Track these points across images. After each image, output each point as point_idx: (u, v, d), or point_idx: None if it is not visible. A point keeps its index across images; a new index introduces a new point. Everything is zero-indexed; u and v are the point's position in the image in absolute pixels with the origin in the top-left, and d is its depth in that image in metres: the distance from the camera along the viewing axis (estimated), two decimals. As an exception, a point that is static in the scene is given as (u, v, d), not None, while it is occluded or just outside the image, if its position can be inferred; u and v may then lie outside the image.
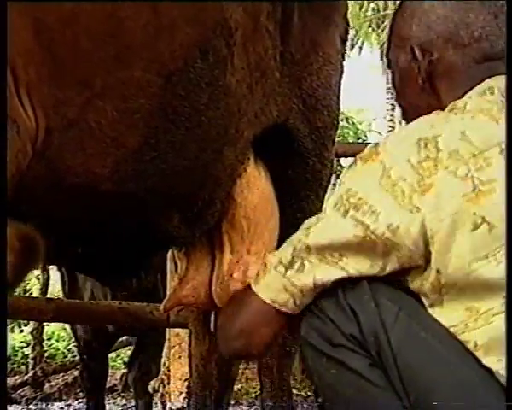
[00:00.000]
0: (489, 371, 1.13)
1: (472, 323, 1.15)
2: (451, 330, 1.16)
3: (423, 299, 1.21)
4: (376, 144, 1.23)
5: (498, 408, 1.12)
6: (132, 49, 1.43)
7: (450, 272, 1.15)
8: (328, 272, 1.22)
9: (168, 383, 3.44)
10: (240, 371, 3.60)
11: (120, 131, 1.44)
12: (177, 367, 3.37)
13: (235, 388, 4.45)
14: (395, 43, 1.41)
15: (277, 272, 1.26)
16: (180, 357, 3.34)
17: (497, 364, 1.13)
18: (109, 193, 1.49)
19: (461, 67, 1.31)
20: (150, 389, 3.73)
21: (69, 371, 6.62)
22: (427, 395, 1.15)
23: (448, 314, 1.17)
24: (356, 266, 1.20)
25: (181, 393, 3.33)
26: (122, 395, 6.11)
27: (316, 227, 1.24)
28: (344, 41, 2.16)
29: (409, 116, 1.40)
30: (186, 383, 3.06)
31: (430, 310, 1.19)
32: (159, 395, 3.58)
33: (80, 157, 1.41)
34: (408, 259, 1.18)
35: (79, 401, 5.89)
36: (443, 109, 1.26)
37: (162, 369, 3.62)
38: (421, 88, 1.36)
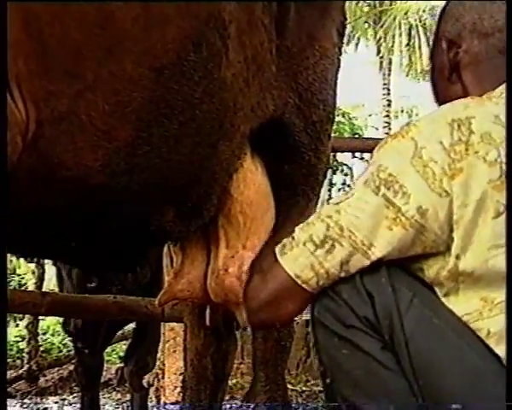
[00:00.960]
0: (499, 359, 1.15)
1: (486, 312, 1.16)
2: (465, 318, 1.18)
3: (437, 289, 1.22)
4: (408, 123, 1.25)
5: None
6: (123, 42, 1.42)
7: (470, 259, 1.16)
8: (356, 260, 1.21)
9: (163, 378, 3.45)
10: (234, 365, 3.60)
11: (112, 125, 1.43)
12: (171, 362, 3.37)
13: (230, 382, 4.45)
14: (433, 41, 1.45)
15: (306, 248, 1.24)
16: (175, 351, 3.34)
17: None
18: (101, 186, 1.48)
19: (485, 58, 1.32)
20: (145, 383, 3.73)
21: (64, 366, 6.61)
22: (436, 381, 1.16)
23: (463, 303, 1.18)
24: (384, 253, 1.20)
25: (175, 387, 3.33)
26: (117, 389, 6.11)
27: (347, 204, 1.23)
28: (341, 35, 2.14)
29: None
30: (181, 378, 3.06)
31: (444, 299, 1.20)
32: (153, 389, 3.59)
33: (71, 150, 1.40)
34: (431, 243, 1.19)
35: (74, 395, 5.89)
36: None
37: (157, 363, 3.62)
38: (449, 79, 1.38)
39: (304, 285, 1.24)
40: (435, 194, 1.16)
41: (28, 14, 1.27)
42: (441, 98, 1.42)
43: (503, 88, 1.25)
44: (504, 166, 1.15)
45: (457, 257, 1.17)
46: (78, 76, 1.37)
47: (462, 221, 1.16)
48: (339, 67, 2.15)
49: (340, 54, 2.15)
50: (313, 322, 1.28)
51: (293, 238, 1.28)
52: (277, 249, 1.30)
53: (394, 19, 15.35)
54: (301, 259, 1.25)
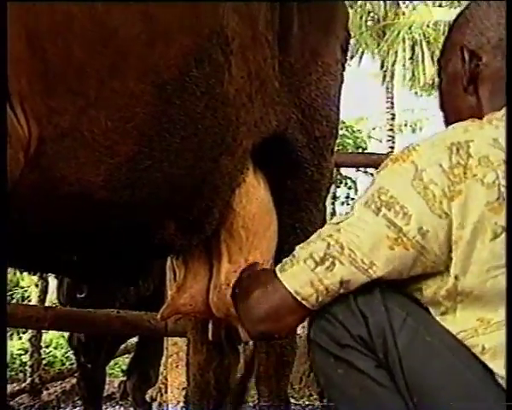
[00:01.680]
0: (492, 375, 1.16)
1: (482, 330, 1.18)
2: (460, 335, 1.19)
3: (433, 309, 1.23)
4: (408, 147, 1.25)
5: None
6: (126, 59, 1.43)
7: (469, 279, 1.17)
8: (356, 278, 1.22)
9: (166, 392, 3.44)
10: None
11: (114, 140, 1.44)
12: (174, 376, 3.36)
13: (233, 397, 4.43)
14: (447, 48, 1.44)
15: (306, 266, 1.25)
16: (178, 366, 3.33)
17: (503, 369, 1.15)
18: (103, 201, 1.48)
19: (504, 75, 1.32)
20: (148, 398, 3.72)
21: (67, 379, 6.60)
22: (429, 398, 1.17)
23: (459, 323, 1.19)
24: (385, 272, 1.21)
25: (178, 402, 3.32)
26: (120, 403, 6.09)
27: (347, 223, 1.24)
28: (344, 51, 2.15)
29: (449, 120, 1.42)
30: (184, 393, 3.06)
31: (440, 318, 1.22)
32: (156, 403, 3.58)
33: (74, 166, 1.40)
34: (431, 264, 1.20)
35: (77, 409, 5.87)
36: (482, 115, 1.29)
37: (160, 378, 3.61)
38: (464, 90, 1.37)
39: (304, 302, 1.25)
40: (435, 215, 1.17)
41: (31, 32, 1.28)
42: (453, 110, 1.42)
43: (504, 111, 1.26)
44: (503, 189, 1.16)
45: (456, 277, 1.18)
46: (81, 93, 1.38)
47: (460, 242, 1.17)
48: (342, 82, 2.15)
49: (344, 70, 2.16)
50: (310, 344, 1.29)
51: (293, 256, 1.29)
52: (277, 268, 1.30)
53: (398, 33, 15.40)
54: (301, 276, 1.25)
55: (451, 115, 1.42)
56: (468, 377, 1.17)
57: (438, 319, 1.22)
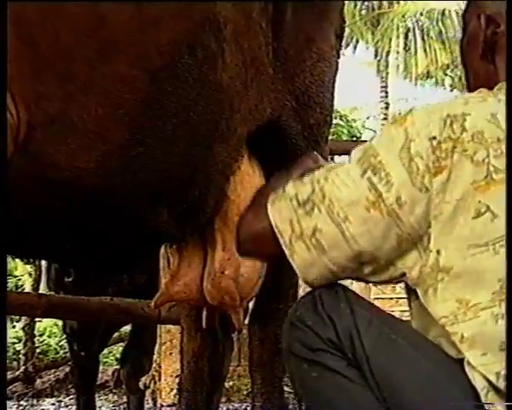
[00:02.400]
0: (461, 367, 1.18)
1: (461, 315, 1.18)
2: (442, 320, 1.20)
3: (419, 289, 1.24)
4: (410, 110, 1.26)
5: (464, 403, 1.17)
6: (115, 44, 1.41)
7: (450, 255, 1.18)
8: (328, 229, 1.25)
9: (159, 380, 3.45)
10: (231, 368, 3.60)
11: (105, 127, 1.43)
12: (168, 364, 3.37)
13: (227, 385, 4.44)
14: (471, 7, 1.43)
15: (291, 204, 1.30)
16: (171, 354, 3.35)
17: (480, 358, 1.16)
18: (95, 188, 1.47)
19: None
20: (141, 385, 3.73)
21: (61, 368, 6.62)
22: (397, 393, 1.20)
23: (440, 304, 1.20)
24: (357, 232, 1.23)
25: (172, 389, 3.34)
26: (114, 391, 6.11)
27: (336, 174, 1.27)
28: (339, 37, 2.15)
29: (469, 79, 1.43)
30: (177, 380, 3.06)
31: (424, 299, 1.23)
32: (149, 391, 3.59)
33: (64, 152, 1.39)
34: (406, 236, 1.21)
35: (71, 397, 5.88)
36: (495, 84, 1.28)
37: (153, 365, 3.62)
38: (481, 56, 1.36)
39: (279, 236, 1.31)
40: (416, 188, 1.18)
41: (19, 16, 1.26)
42: (471, 71, 1.41)
43: None
44: (492, 168, 1.16)
45: (438, 252, 1.19)
46: (70, 78, 1.36)
47: (441, 217, 1.18)
48: (337, 69, 2.15)
49: (339, 57, 2.15)
50: (285, 354, 1.34)
51: (283, 191, 1.34)
52: (270, 198, 1.36)
53: (392, 22, 15.38)
54: (284, 212, 1.31)
55: (471, 77, 1.42)
56: (431, 370, 1.20)
57: (422, 300, 1.24)
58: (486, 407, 1.15)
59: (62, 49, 1.34)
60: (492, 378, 1.15)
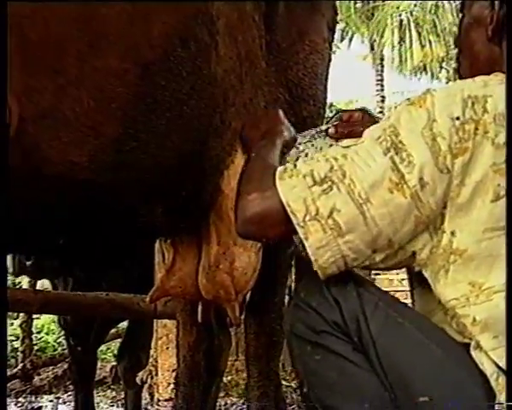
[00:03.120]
0: (468, 351, 1.18)
1: (473, 298, 1.18)
2: (452, 302, 1.19)
3: (427, 271, 1.23)
4: (427, 91, 1.23)
5: (472, 387, 1.17)
6: (107, 37, 1.41)
7: (465, 237, 1.17)
8: (348, 209, 1.19)
9: (156, 375, 3.45)
10: (229, 362, 3.60)
11: (97, 120, 1.42)
12: (164, 358, 3.37)
13: (225, 379, 4.44)
14: None
15: (305, 181, 1.22)
16: (168, 348, 3.34)
17: (492, 341, 1.16)
18: (88, 183, 1.47)
19: None
20: (138, 380, 3.73)
21: (59, 365, 6.60)
22: (403, 376, 1.20)
23: (451, 286, 1.20)
24: (377, 213, 1.19)
25: (169, 384, 3.33)
26: (112, 387, 6.11)
27: (355, 152, 1.21)
28: (331, 30, 2.15)
29: (463, 62, 1.40)
30: (174, 374, 3.06)
31: (433, 281, 1.22)
32: (147, 386, 3.58)
33: (56, 146, 1.39)
34: (425, 219, 1.19)
35: (69, 394, 5.87)
36: (502, 69, 1.26)
37: (150, 360, 3.62)
38: (488, 38, 1.33)
39: (292, 216, 1.22)
40: (437, 169, 1.17)
41: (10, 11, 1.25)
42: (468, 50, 1.38)
43: None
44: None
45: (453, 233, 1.18)
46: (61, 71, 1.35)
47: (458, 199, 1.17)
48: (329, 62, 2.14)
49: (331, 49, 2.15)
50: (287, 335, 1.31)
51: (294, 167, 1.26)
52: (277, 173, 1.26)
53: (386, 13, 15.37)
54: (296, 190, 1.22)
55: (466, 59, 1.39)
56: (437, 354, 1.19)
57: (430, 282, 1.23)
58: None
59: (53, 42, 1.33)
60: (502, 363, 1.15)
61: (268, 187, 1.26)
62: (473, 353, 1.18)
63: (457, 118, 1.16)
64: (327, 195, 1.19)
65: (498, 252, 1.16)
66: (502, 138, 1.15)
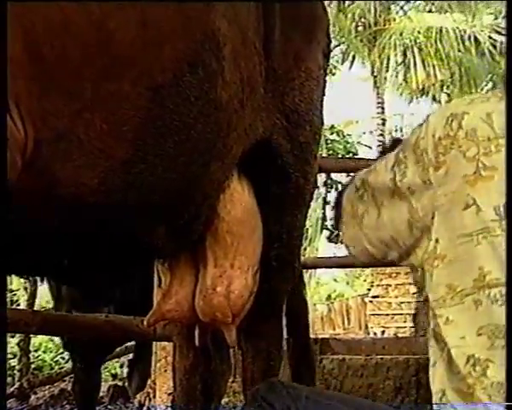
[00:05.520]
0: None
1: (448, 300, 1.25)
2: (433, 304, 1.28)
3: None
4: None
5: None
6: (121, 62, 1.44)
7: (445, 243, 1.26)
8: (372, 210, 1.41)
9: (154, 397, 3.44)
10: (227, 384, 3.60)
11: (109, 143, 1.45)
12: (162, 381, 3.36)
13: (222, 401, 4.42)
14: None
15: (353, 187, 1.48)
16: (166, 371, 3.34)
17: (458, 340, 1.23)
18: (98, 204, 1.49)
19: None
20: (136, 402, 3.72)
21: (56, 384, 6.58)
22: None
23: (434, 288, 1.28)
24: (385, 216, 1.38)
25: (167, 407, 3.32)
26: (109, 407, 6.09)
27: (379, 164, 1.43)
28: (326, 57, 2.17)
29: None
30: (171, 397, 3.06)
31: (426, 285, 1.32)
32: (145, 408, 3.58)
33: (69, 168, 1.41)
34: (416, 224, 1.31)
35: (65, 413, 5.86)
36: None
37: (148, 382, 3.61)
38: None
39: (343, 212, 1.52)
40: (422, 181, 1.30)
41: (28, 34, 1.28)
42: None
43: None
44: (480, 164, 1.23)
45: (437, 241, 1.28)
46: (77, 96, 1.38)
47: (441, 208, 1.27)
48: (324, 88, 2.17)
49: (326, 75, 2.18)
50: None
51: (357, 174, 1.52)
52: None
53: (389, 39, 15.43)
54: (349, 193, 1.50)
55: None
56: None
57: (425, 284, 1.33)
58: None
59: (70, 67, 1.36)
60: (460, 361, 1.21)
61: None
62: (430, 370, 1.30)
63: (436, 135, 1.28)
64: (362, 199, 1.45)
65: (468, 257, 1.23)
66: (472, 152, 1.23)
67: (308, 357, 2.53)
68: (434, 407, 1.28)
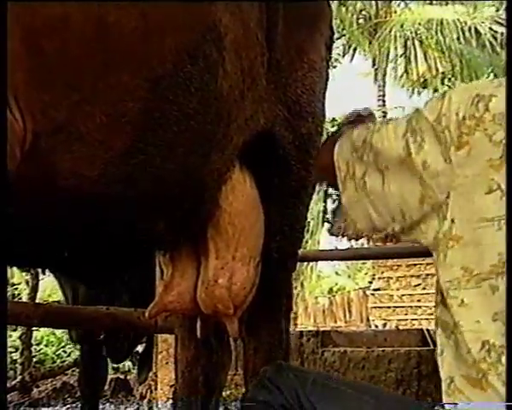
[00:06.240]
0: (397, 396, 1.35)
1: (464, 282, 1.25)
2: (447, 285, 1.28)
3: (434, 253, 1.33)
4: (453, 88, 1.34)
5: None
6: (120, 54, 1.43)
7: (462, 225, 1.25)
8: (374, 174, 1.39)
9: (155, 389, 3.45)
10: (228, 377, 3.60)
11: (108, 135, 1.45)
12: (164, 373, 3.37)
13: (224, 394, 4.43)
14: None
15: (350, 147, 1.47)
16: (167, 363, 3.34)
17: (473, 324, 1.23)
18: (98, 195, 1.49)
19: None
20: (138, 395, 3.73)
21: (57, 377, 6.60)
22: None
23: (447, 269, 1.28)
24: (391, 182, 1.36)
25: (168, 399, 3.33)
26: (111, 400, 6.10)
27: (387, 128, 1.40)
28: (328, 48, 2.17)
29: None
30: (173, 389, 3.06)
31: (437, 263, 1.32)
32: (146, 400, 3.58)
33: (69, 160, 1.41)
34: (428, 199, 1.30)
35: (67, 406, 5.87)
36: None
37: (150, 375, 3.62)
38: None
39: (337, 171, 1.49)
40: (442, 158, 1.27)
41: (26, 27, 1.28)
42: None
43: None
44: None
45: (453, 221, 1.27)
46: (76, 88, 1.38)
47: (460, 189, 1.25)
48: (327, 80, 2.16)
49: (328, 67, 2.17)
50: None
51: (352, 132, 1.48)
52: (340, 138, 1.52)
53: (390, 31, 15.40)
54: (344, 152, 1.48)
55: None
56: (372, 402, 1.38)
57: (435, 264, 1.32)
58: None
59: (69, 59, 1.36)
60: (474, 345, 1.21)
61: (332, 146, 1.53)
62: (438, 358, 1.30)
63: (460, 114, 1.26)
64: (361, 160, 1.42)
65: (487, 241, 1.23)
66: (499, 136, 1.22)
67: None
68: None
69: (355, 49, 16.58)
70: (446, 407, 1.28)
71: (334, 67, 14.68)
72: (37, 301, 5.84)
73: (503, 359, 1.18)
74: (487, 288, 1.21)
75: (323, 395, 1.40)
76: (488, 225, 1.22)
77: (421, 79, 15.33)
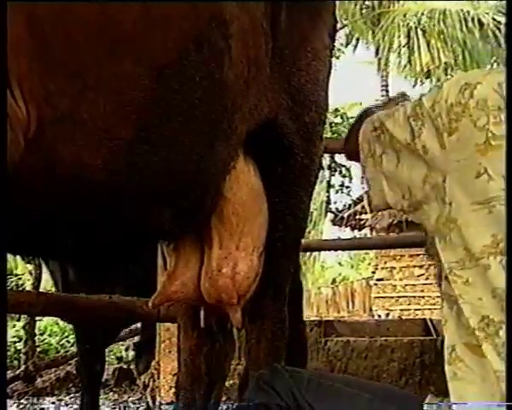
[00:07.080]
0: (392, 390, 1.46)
1: (467, 262, 1.28)
2: (452, 264, 1.30)
3: (436, 237, 1.35)
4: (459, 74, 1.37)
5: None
6: (124, 42, 1.43)
7: (458, 207, 1.29)
8: (390, 153, 1.43)
9: (158, 378, 3.45)
10: (232, 366, 3.61)
11: (113, 123, 1.44)
12: (166, 362, 3.37)
13: (227, 383, 4.44)
14: None
15: (371, 127, 1.51)
16: (170, 352, 3.35)
17: (476, 300, 1.26)
18: (102, 185, 1.49)
19: None
20: (140, 384, 3.73)
21: (61, 367, 6.62)
22: None
23: (450, 251, 1.31)
24: (403, 161, 1.40)
25: (171, 387, 3.33)
26: (114, 389, 6.12)
27: (398, 112, 1.43)
28: (332, 37, 2.16)
29: None
30: (176, 378, 3.06)
31: (440, 245, 1.34)
32: (149, 389, 3.59)
33: (73, 148, 1.40)
34: (430, 179, 1.34)
35: (71, 396, 5.89)
36: None
37: (152, 364, 3.62)
38: None
39: (360, 151, 1.53)
40: (438, 144, 1.32)
41: (30, 14, 1.27)
42: None
43: None
44: (490, 134, 1.25)
45: (450, 204, 1.30)
46: (80, 76, 1.38)
47: (454, 173, 1.29)
48: (330, 69, 2.16)
49: (332, 56, 2.16)
50: None
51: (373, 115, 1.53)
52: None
53: (393, 21, 15.35)
54: (366, 133, 1.52)
55: None
56: (368, 396, 1.43)
57: (438, 247, 1.34)
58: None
59: (72, 47, 1.35)
60: (473, 317, 1.24)
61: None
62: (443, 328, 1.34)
63: (449, 101, 1.30)
64: (379, 140, 1.46)
65: (481, 223, 1.26)
66: (482, 121, 1.26)
67: (300, 340, 2.52)
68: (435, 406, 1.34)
69: (358, 39, 16.53)
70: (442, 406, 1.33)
71: (338, 57, 14.66)
72: (40, 290, 5.84)
73: (501, 333, 1.21)
74: (481, 267, 1.25)
75: (319, 393, 1.44)
76: (480, 207, 1.25)
77: (425, 70, 15.28)
